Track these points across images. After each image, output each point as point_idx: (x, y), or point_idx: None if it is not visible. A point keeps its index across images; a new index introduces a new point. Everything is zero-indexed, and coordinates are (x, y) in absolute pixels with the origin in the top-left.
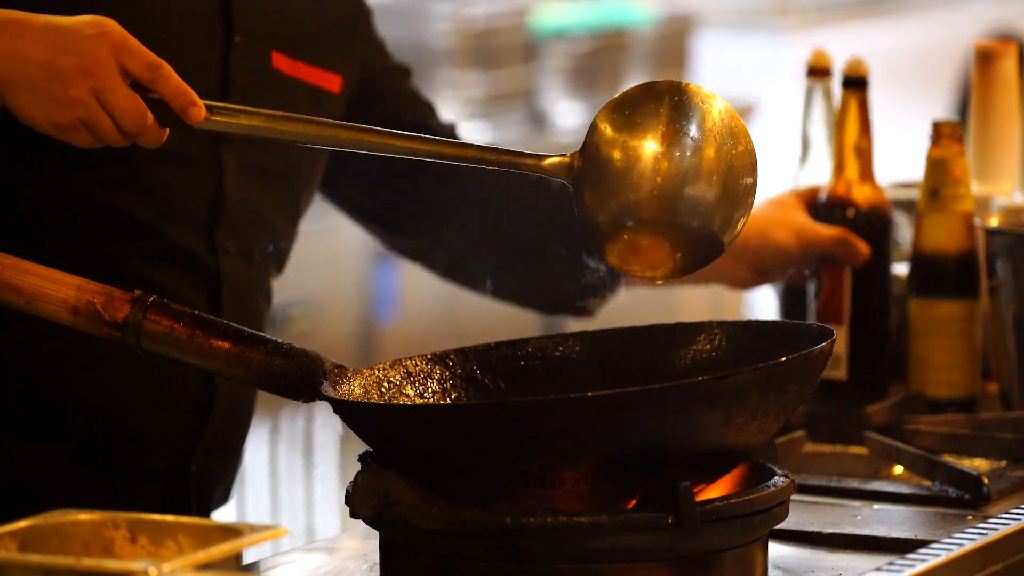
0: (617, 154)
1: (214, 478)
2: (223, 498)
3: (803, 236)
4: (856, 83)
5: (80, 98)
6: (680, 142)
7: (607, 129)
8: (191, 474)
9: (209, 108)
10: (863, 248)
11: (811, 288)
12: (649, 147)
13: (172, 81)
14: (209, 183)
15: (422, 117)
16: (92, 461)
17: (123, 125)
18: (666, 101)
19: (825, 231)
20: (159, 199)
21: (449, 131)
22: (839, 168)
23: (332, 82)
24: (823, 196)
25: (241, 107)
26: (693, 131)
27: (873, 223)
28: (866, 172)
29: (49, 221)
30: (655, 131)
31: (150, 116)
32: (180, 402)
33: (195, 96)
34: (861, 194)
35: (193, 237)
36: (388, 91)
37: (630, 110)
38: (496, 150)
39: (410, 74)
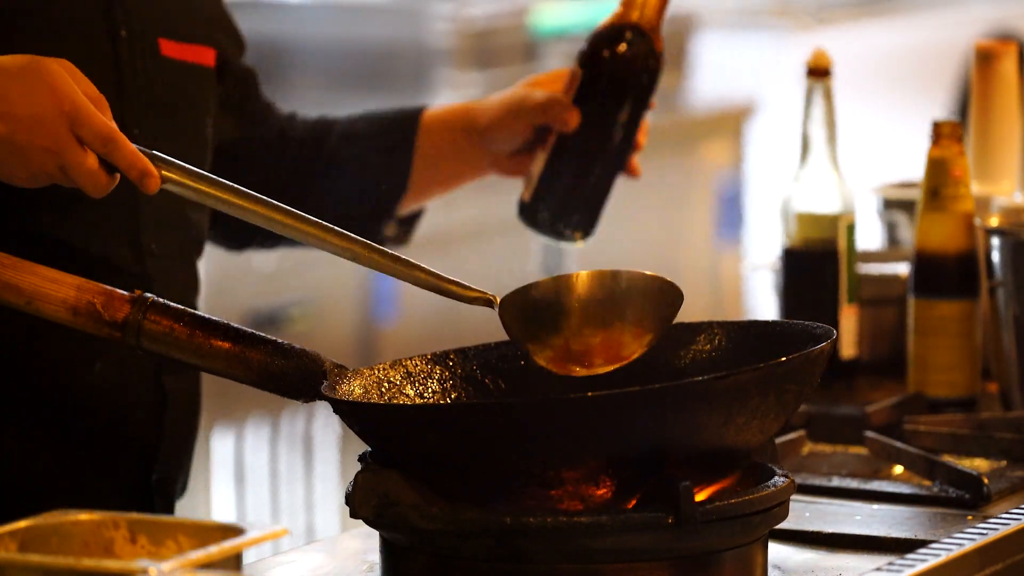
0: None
1: (174, 480)
2: (182, 490)
3: (519, 109)
4: None
5: (46, 171)
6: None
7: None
8: (153, 483)
9: (163, 179)
10: (566, 116)
11: None
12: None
13: (126, 153)
14: (124, 190)
15: (265, 99)
16: (52, 473)
17: (89, 191)
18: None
19: (534, 100)
20: (78, 216)
21: (289, 117)
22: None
23: (208, 56)
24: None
25: (193, 168)
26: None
27: (612, 62)
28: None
29: None
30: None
31: (115, 178)
32: (134, 415)
33: (150, 166)
34: (620, 32)
35: (116, 246)
36: (237, 68)
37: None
38: (423, 269)
39: (245, 49)
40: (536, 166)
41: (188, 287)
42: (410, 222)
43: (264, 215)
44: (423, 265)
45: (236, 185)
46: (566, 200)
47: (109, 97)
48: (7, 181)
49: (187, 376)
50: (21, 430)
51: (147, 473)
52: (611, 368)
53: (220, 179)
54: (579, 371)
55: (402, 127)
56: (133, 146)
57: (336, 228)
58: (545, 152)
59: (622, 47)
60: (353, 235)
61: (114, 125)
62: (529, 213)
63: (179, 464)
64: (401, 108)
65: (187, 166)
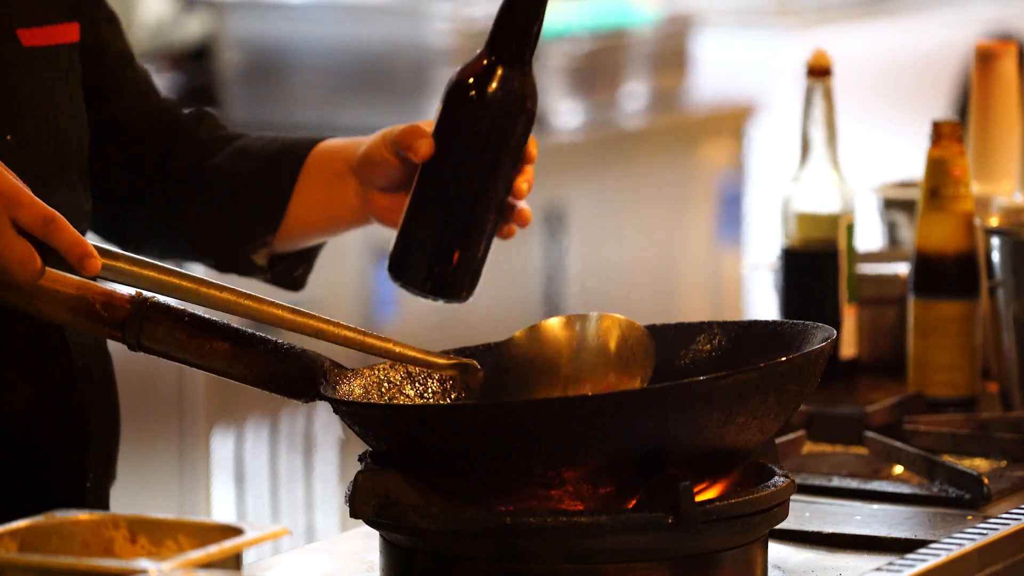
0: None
1: (106, 483)
2: (112, 478)
3: (385, 138)
4: None
5: None
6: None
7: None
8: (87, 489)
9: (102, 253)
10: (419, 143)
11: None
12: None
13: (66, 234)
14: None
15: (137, 79)
16: None
17: (12, 271)
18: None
19: (398, 129)
20: None
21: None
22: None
23: (72, 32)
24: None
25: (134, 256)
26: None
27: (466, 100)
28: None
29: None
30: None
31: (39, 261)
32: (58, 426)
33: (90, 247)
34: (477, 73)
35: None
36: (105, 43)
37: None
38: (393, 342)
39: (119, 25)
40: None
41: None
42: (297, 263)
43: (208, 295)
44: (395, 339)
45: (181, 270)
46: (429, 252)
47: None
48: None
49: (104, 381)
50: None
51: (80, 481)
52: None
53: (163, 264)
54: None
55: (293, 151)
56: (72, 228)
57: (292, 306)
58: (407, 197)
59: (481, 85)
60: (314, 313)
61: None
62: (394, 268)
63: (109, 466)
64: (305, 135)
65: (124, 252)
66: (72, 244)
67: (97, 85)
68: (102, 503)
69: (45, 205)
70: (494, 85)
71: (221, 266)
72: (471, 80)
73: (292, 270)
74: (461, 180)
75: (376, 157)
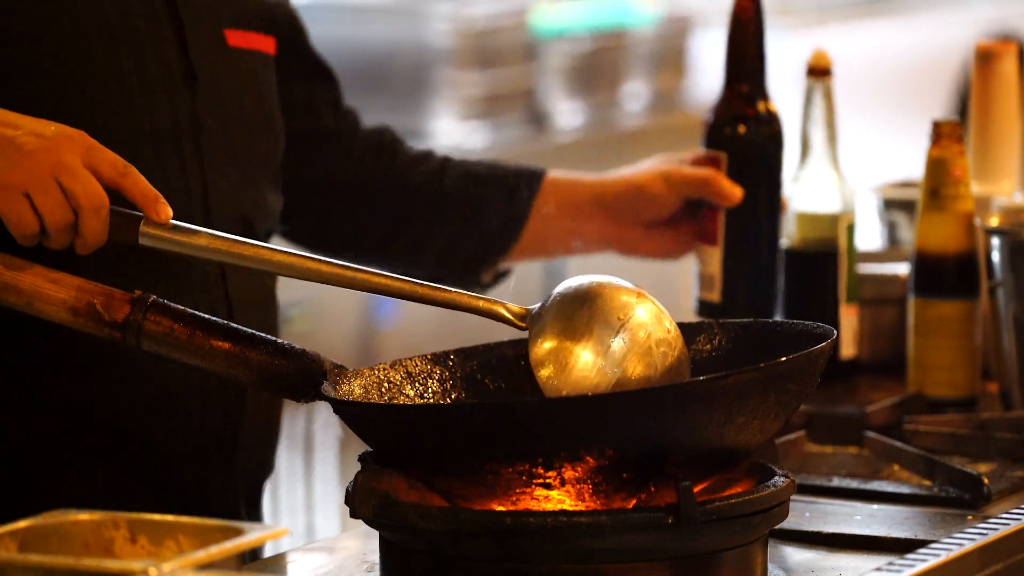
0: (562, 357)
1: (259, 483)
2: (268, 471)
3: (670, 179)
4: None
5: (34, 168)
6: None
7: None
8: (239, 491)
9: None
10: (732, 190)
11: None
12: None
13: (140, 181)
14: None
15: (335, 94)
16: (138, 482)
17: (78, 200)
18: (616, 320)
19: (690, 172)
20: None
21: (352, 115)
22: (730, 83)
23: (270, 45)
24: (710, 115)
25: (194, 227)
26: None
27: (757, 141)
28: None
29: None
30: (600, 345)
31: (107, 201)
32: (217, 423)
33: (161, 196)
34: (749, 110)
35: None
36: (301, 55)
37: (581, 315)
38: (449, 291)
39: (305, 36)
40: (709, 264)
41: (264, 297)
42: (496, 279)
43: (264, 259)
44: (445, 288)
45: (230, 236)
46: (755, 283)
47: (182, 90)
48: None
49: None
50: (105, 446)
51: (231, 478)
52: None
53: (218, 233)
54: None
55: (526, 178)
56: (146, 180)
57: (349, 264)
58: (718, 247)
59: (756, 121)
60: (363, 267)
61: None
62: (724, 310)
63: (262, 468)
64: (522, 165)
65: (187, 225)
66: (145, 191)
67: (302, 97)
68: (254, 497)
69: (118, 156)
70: (765, 115)
71: (446, 279)
72: (747, 118)
73: (494, 285)
74: (770, 211)
75: (658, 195)
